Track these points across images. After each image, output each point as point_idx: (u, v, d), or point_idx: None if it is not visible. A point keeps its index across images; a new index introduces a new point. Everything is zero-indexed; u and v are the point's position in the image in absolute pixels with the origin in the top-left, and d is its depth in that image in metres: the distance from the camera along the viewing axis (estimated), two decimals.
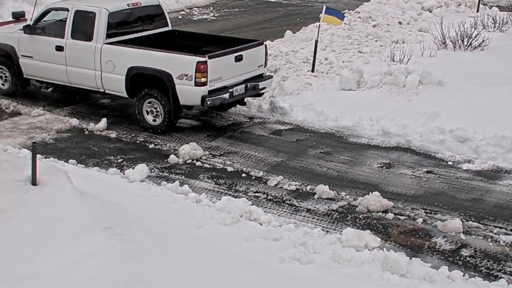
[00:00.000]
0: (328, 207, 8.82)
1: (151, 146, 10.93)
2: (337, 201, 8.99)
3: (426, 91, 12.33)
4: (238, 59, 11.29)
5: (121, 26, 12.03)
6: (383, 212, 8.65)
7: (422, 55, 14.64)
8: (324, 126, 11.67)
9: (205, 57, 10.72)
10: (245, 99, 12.09)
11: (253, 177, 9.74)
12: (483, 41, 15.72)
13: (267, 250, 7.32)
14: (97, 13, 11.64)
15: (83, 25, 11.80)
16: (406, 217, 8.55)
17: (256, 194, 9.19)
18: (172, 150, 10.68)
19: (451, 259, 7.55)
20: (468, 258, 7.57)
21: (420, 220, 8.46)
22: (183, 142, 10.92)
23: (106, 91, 11.83)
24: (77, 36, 11.84)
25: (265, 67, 12.11)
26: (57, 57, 12.06)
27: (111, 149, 10.79)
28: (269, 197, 9.12)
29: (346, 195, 9.16)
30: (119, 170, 9.74)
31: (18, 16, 14.28)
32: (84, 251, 6.40)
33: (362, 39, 16.75)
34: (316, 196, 9.10)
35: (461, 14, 20.55)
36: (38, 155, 7.37)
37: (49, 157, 10.03)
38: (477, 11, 20.98)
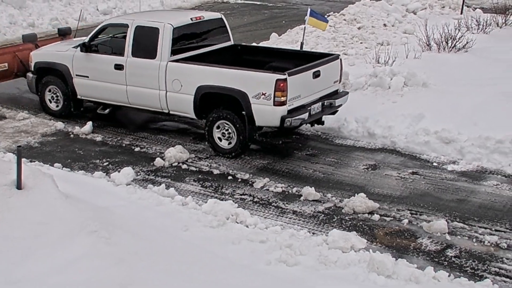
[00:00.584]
0: (314, 209, 8.84)
1: (137, 149, 10.92)
2: (323, 203, 9.02)
3: (411, 92, 12.40)
4: (316, 75, 10.43)
5: (185, 42, 11.15)
6: (369, 213, 8.69)
7: (407, 57, 14.73)
8: (310, 128, 11.71)
9: (285, 74, 9.83)
10: (323, 118, 11.09)
11: (239, 180, 9.75)
12: (467, 42, 15.84)
13: (253, 252, 7.33)
14: (160, 28, 10.77)
15: (145, 42, 10.95)
16: (392, 218, 8.59)
17: (242, 196, 9.20)
18: (158, 153, 10.67)
19: (436, 259, 7.60)
20: (453, 259, 7.62)
21: (406, 221, 8.50)
22: (169, 145, 10.92)
23: (171, 112, 10.97)
24: (139, 53, 10.98)
25: (340, 82, 11.32)
26: (116, 76, 11.20)
27: (97, 152, 10.76)
28: (255, 199, 9.14)
29: (332, 196, 9.19)
30: (105, 174, 9.71)
31: (64, 33, 13.72)
32: (73, 254, 6.41)
33: (347, 41, 16.84)
34: (302, 198, 9.13)
35: (445, 16, 20.71)
36: (23, 159, 7.33)
37: (34, 161, 10.00)
38: (461, 13, 21.17)
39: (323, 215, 8.67)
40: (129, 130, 11.80)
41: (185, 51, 11.04)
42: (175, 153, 10.33)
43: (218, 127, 10.41)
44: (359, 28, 18.22)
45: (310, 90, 10.36)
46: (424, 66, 13.70)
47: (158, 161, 10.24)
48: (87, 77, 11.61)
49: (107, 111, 11.73)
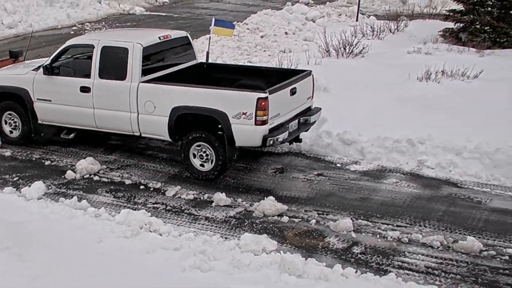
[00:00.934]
0: (226, 214, 9.06)
1: (47, 162, 10.80)
2: (234, 207, 9.25)
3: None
4: (293, 92, 10.22)
5: (154, 61, 10.81)
6: (278, 215, 8.98)
7: (308, 63, 15.18)
8: None
9: (266, 92, 9.57)
10: (300, 135, 10.99)
11: (151, 189, 9.85)
12: (363, 48, 16.52)
13: (168, 260, 7.40)
14: (129, 48, 10.33)
15: (113, 63, 10.48)
16: (300, 219, 8.91)
17: (155, 205, 9.31)
18: (69, 166, 10.61)
19: (344, 257, 7.94)
20: (359, 255, 7.99)
21: (314, 221, 8.84)
22: (79, 157, 10.87)
23: (143, 135, 10.53)
24: (107, 75, 10.47)
25: (312, 98, 11.06)
26: (82, 100, 10.62)
27: (6, 167, 10.58)
28: (168, 207, 9.27)
29: (242, 201, 9.44)
30: (15, 189, 9.57)
31: (15, 55, 12.92)
32: None
33: (251, 50, 17.23)
34: (213, 204, 9.33)
35: (342, 24, 21.50)
36: None
37: None
38: (357, 20, 22.03)
39: (234, 220, 8.90)
40: (38, 144, 11.62)
41: (155, 71, 10.67)
42: (86, 165, 10.30)
43: (197, 148, 10.05)
44: (262, 37, 18.67)
45: (288, 107, 10.19)
46: (325, 71, 14.17)
47: (69, 174, 10.19)
48: (50, 101, 10.97)
49: (71, 135, 11.24)
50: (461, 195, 9.63)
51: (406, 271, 7.62)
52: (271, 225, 8.74)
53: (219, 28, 12.91)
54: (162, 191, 9.79)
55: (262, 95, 9.52)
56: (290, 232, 8.57)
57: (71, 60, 11.45)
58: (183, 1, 30.53)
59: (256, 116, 9.51)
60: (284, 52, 17.21)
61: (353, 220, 8.78)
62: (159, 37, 10.88)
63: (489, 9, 19.20)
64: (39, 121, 11.24)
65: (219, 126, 9.77)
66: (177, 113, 9.96)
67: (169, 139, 10.28)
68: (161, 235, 8.15)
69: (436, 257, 7.92)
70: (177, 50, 11.35)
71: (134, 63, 10.28)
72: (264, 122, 9.55)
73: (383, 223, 8.80)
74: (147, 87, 10.22)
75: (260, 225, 8.74)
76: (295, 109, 10.40)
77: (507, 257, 7.88)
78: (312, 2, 27.12)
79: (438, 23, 20.60)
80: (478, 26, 18.83)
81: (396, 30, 19.83)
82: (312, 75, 10.99)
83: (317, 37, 17.71)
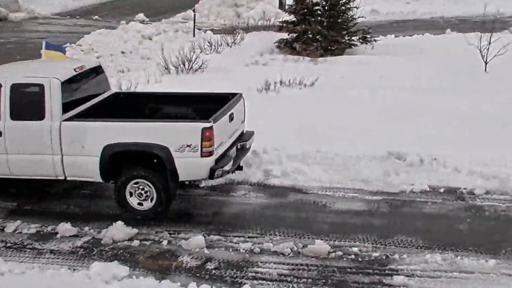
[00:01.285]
0: (73, 244, 8.69)
1: None
2: (81, 237, 8.90)
3: None
4: (231, 118, 9.65)
5: (72, 96, 9.67)
6: (128, 240, 8.75)
7: (148, 82, 15.08)
8: None
9: (210, 121, 8.92)
10: (241, 163, 10.22)
11: None
12: (202, 63, 16.65)
13: None
14: (46, 84, 9.24)
15: (27, 102, 9.36)
16: (152, 241, 8.74)
17: None
18: None
19: (198, 274, 7.89)
20: (213, 271, 7.96)
21: (165, 242, 8.71)
22: None
23: (68, 178, 9.50)
24: (20, 115, 9.32)
25: (244, 122, 10.42)
26: None
27: None
28: (8, 244, 8.73)
29: (90, 229, 9.11)
30: None
31: None
32: None
33: None
34: (59, 236, 8.91)
35: (179, 40, 21.56)
36: None
37: None
38: (194, 36, 22.18)
39: (82, 250, 8.55)
40: None
41: (74, 106, 9.61)
42: None
43: (134, 186, 9.26)
44: (98, 57, 18.24)
45: (227, 134, 9.60)
46: (166, 89, 14.10)
47: None
48: None
49: None
50: (307, 201, 9.89)
51: (260, 281, 7.69)
52: (121, 251, 8.50)
53: (50, 52, 12.41)
54: (1, 227, 9.21)
55: (207, 124, 8.88)
56: (142, 255, 8.39)
57: None
58: (7, 25, 29.07)
59: (202, 147, 8.87)
60: (122, 72, 16.93)
61: (205, 237, 8.74)
62: (74, 69, 9.88)
63: (319, 18, 20.05)
64: None
65: (156, 160, 9.05)
66: (110, 152, 9.06)
67: (100, 180, 9.39)
68: (2, 274, 7.68)
69: (288, 264, 8.06)
70: (92, 81, 10.40)
71: (53, 100, 9.23)
72: (210, 153, 8.93)
73: (235, 236, 8.83)
74: (71, 125, 9.26)
75: (110, 252, 8.47)
76: (232, 135, 9.86)
77: (353, 256, 8.18)
78: (148, 19, 26.97)
79: (273, 34, 21.24)
80: (310, 35, 19.64)
81: (233, 44, 20.18)
82: (243, 97, 10.46)
83: (155, 54, 17.59)
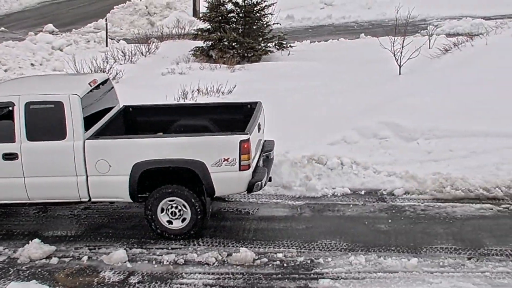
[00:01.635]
0: None
1: None
2: None
3: None
4: (259, 128, 9.33)
5: (88, 113, 8.99)
6: (46, 258, 8.46)
7: None
8: None
9: (247, 133, 8.57)
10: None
11: None
12: (116, 73, 16.33)
13: None
14: (64, 101, 8.64)
15: (44, 121, 8.70)
16: (71, 258, 8.48)
17: None
18: None
19: None
20: (137, 285, 7.78)
21: (86, 258, 8.46)
22: None
23: (94, 199, 8.89)
24: (38, 136, 8.67)
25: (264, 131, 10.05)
26: (6, 169, 8.71)
27: None
28: None
29: (4, 249, 8.75)
30: None
31: None
32: None
33: None
34: None
35: (92, 50, 21.10)
36: None
37: None
38: (106, 46, 21.75)
39: None
40: None
41: (92, 123, 9.03)
42: None
43: (166, 204, 8.80)
44: (5, 71, 17.63)
45: (257, 146, 9.26)
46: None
47: None
48: None
49: None
50: (230, 209, 9.81)
51: None
52: (39, 270, 8.19)
53: None
54: None
55: (244, 137, 8.52)
56: (61, 273, 8.12)
57: None
58: None
59: (240, 160, 8.51)
60: None
61: (127, 250, 8.54)
62: (89, 84, 9.27)
63: (234, 25, 20.07)
64: None
65: (189, 176, 8.66)
66: (140, 170, 8.57)
67: (129, 200, 8.86)
68: None
69: (213, 273, 7.96)
70: (104, 95, 9.79)
71: (74, 118, 8.65)
72: (248, 166, 8.58)
73: (157, 248, 8.67)
74: (96, 144, 8.69)
75: (28, 271, 8.15)
76: (260, 146, 9.54)
77: (278, 262, 8.16)
78: (57, 30, 26.26)
79: (188, 42, 21.12)
80: (226, 43, 19.62)
81: (148, 53, 19.92)
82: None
83: (67, 66, 17.14)
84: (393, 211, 9.53)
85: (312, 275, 7.82)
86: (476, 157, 10.86)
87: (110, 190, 8.78)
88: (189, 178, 8.72)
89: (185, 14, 28.33)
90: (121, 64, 18.09)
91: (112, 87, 10.20)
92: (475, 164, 10.62)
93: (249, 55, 19.50)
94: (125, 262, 8.30)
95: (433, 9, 26.87)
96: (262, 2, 19.99)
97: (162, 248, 8.65)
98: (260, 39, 20.05)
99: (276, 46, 20.10)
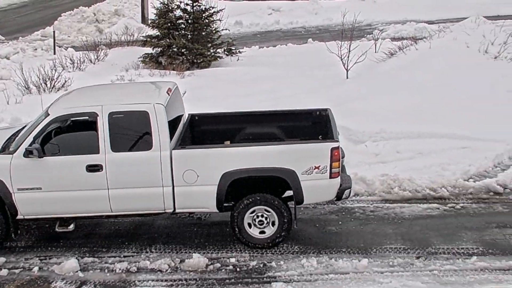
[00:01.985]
0: None
1: None
2: None
3: None
4: (338, 134, 9.30)
5: (170, 122, 8.75)
6: None
7: (8, 103, 14.43)
8: None
9: (337, 141, 8.59)
10: None
11: None
12: (65, 81, 16.15)
13: None
14: (149, 111, 8.45)
15: (129, 131, 8.56)
16: (22, 269, 8.37)
17: None
18: None
19: None
20: None
21: (36, 268, 8.37)
22: None
23: (178, 210, 8.69)
24: (123, 146, 8.48)
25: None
26: (90, 180, 8.46)
27: None
28: None
29: None
30: None
31: None
32: None
33: None
34: None
35: (39, 58, 20.79)
36: None
37: None
38: (54, 54, 21.48)
39: None
40: None
41: (171, 133, 8.74)
42: None
43: (251, 214, 8.68)
44: None
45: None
46: (29, 109, 13.54)
47: None
48: (40, 188, 8.54)
49: (71, 227, 8.81)
50: (183, 215, 9.81)
51: None
52: None
53: None
54: None
55: (335, 144, 8.50)
56: (11, 285, 8.03)
57: (63, 136, 8.99)
58: None
59: (331, 168, 8.48)
60: None
61: (78, 259, 8.48)
62: (167, 92, 9.14)
63: (183, 32, 20.08)
64: (20, 216, 8.72)
65: (278, 185, 8.65)
66: (229, 179, 8.47)
67: (215, 211, 8.70)
68: None
69: (166, 280, 7.98)
70: (175, 104, 9.49)
71: (160, 128, 8.47)
72: (338, 174, 8.57)
73: (110, 256, 8.64)
74: (183, 154, 8.54)
75: None
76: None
77: (231, 267, 8.23)
78: (3, 38, 25.82)
79: (137, 49, 21.04)
80: (175, 49, 19.61)
81: (97, 60, 19.77)
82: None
83: (14, 74, 16.87)
84: (343, 213, 9.69)
85: (265, 279, 7.91)
86: (422, 158, 11.15)
87: (196, 200, 8.66)
88: (274, 187, 8.74)
89: (134, 21, 28.19)
90: (69, 71, 17.90)
91: (180, 95, 10.01)
92: (422, 165, 10.89)
93: (199, 61, 19.53)
94: (77, 271, 8.24)
95: (378, 14, 27.43)
96: (211, 8, 20.07)
97: (114, 256, 8.62)
98: (209, 45, 20.10)
99: (225, 52, 20.19)
